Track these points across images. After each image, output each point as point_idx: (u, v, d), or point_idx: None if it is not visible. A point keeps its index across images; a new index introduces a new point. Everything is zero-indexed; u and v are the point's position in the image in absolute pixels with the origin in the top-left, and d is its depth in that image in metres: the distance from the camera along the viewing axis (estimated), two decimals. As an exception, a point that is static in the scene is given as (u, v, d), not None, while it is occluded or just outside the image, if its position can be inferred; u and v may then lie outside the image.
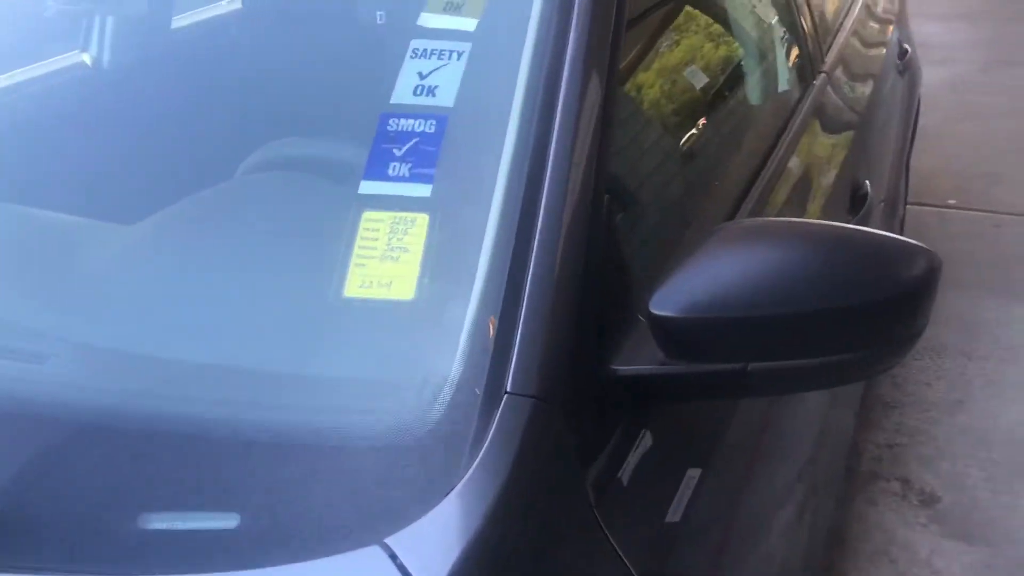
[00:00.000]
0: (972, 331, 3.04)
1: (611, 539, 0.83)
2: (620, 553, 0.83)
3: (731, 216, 1.25)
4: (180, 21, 1.55)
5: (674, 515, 0.93)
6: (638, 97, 1.18)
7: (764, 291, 0.86)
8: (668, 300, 0.87)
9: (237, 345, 0.93)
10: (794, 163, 1.47)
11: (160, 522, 0.78)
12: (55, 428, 0.86)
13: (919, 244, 0.91)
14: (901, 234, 3.09)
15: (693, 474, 1.00)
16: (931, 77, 3.38)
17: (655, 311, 0.87)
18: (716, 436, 1.08)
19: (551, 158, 0.94)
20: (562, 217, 0.91)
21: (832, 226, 0.94)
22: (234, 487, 0.79)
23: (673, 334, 0.88)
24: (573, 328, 0.88)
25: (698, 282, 0.87)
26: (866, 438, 2.56)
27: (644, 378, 0.90)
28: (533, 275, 0.88)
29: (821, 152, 1.63)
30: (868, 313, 0.87)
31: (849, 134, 1.81)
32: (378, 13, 1.25)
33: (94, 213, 1.15)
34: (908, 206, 3.39)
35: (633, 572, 0.84)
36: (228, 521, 0.78)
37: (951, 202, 3.93)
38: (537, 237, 0.90)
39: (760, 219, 1.01)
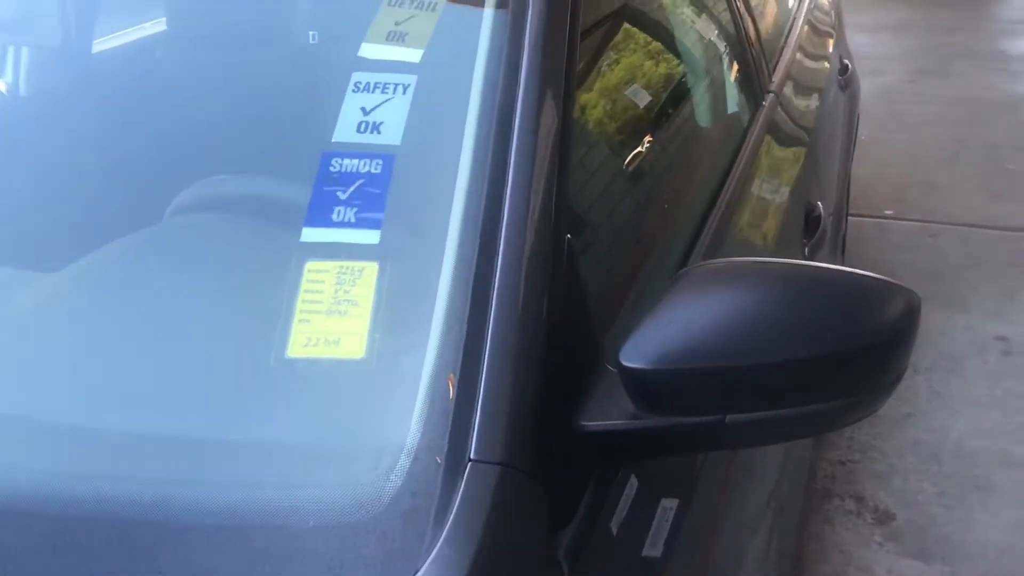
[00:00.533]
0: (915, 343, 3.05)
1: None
2: None
3: (692, 247, 1.20)
4: (101, 46, 1.45)
5: (653, 553, 0.88)
6: (594, 129, 1.12)
7: (738, 339, 0.81)
8: (638, 351, 0.81)
9: (170, 414, 0.84)
10: (749, 187, 1.43)
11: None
12: None
13: (897, 283, 0.87)
14: (844, 247, 3.10)
15: (669, 505, 0.94)
16: (862, 88, 3.41)
17: (625, 363, 0.81)
18: (688, 467, 1.02)
19: (507, 198, 0.87)
20: (522, 261, 0.85)
21: (805, 266, 0.89)
22: (168, 574, 0.71)
23: (645, 387, 0.82)
24: (539, 383, 0.81)
25: (669, 331, 0.81)
26: (818, 455, 2.54)
27: (615, 433, 0.84)
28: (494, 327, 0.81)
29: (774, 175, 1.60)
30: (847, 360, 0.82)
31: (800, 154, 1.78)
32: (311, 33, 1.17)
33: (4, 260, 1.05)
34: (847, 217, 3.40)
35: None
36: None
37: (888, 212, 3.97)
38: (496, 285, 0.83)
39: (728, 260, 0.96)
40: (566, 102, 0.97)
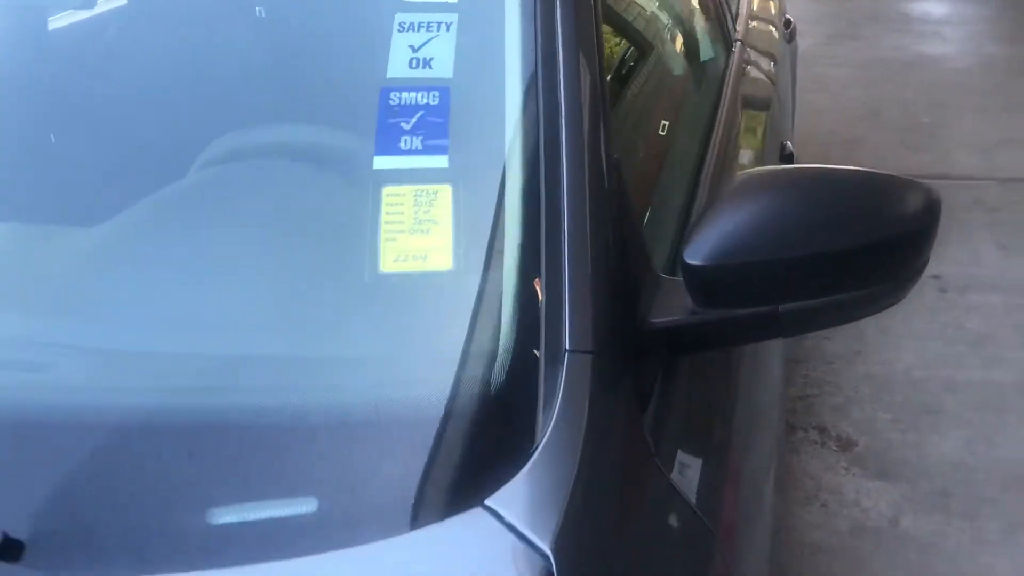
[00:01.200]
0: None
1: (672, 481, 0.85)
2: (679, 490, 0.86)
3: (699, 173, 1.30)
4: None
5: (710, 451, 0.97)
6: (618, 64, 1.20)
7: (783, 235, 0.90)
8: (699, 251, 0.89)
9: (290, 335, 0.90)
10: (735, 127, 1.53)
11: (232, 515, 0.74)
12: (107, 436, 0.80)
13: (920, 182, 0.97)
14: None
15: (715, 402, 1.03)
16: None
17: (689, 261, 0.89)
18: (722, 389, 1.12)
19: (563, 122, 0.94)
20: (584, 179, 0.92)
21: (841, 168, 0.99)
22: (310, 471, 0.77)
23: (705, 283, 0.90)
24: (612, 285, 0.89)
25: (725, 231, 0.90)
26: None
27: (680, 328, 0.92)
28: (568, 237, 0.88)
29: (752, 116, 1.70)
30: (881, 249, 0.92)
31: (768, 98, 1.89)
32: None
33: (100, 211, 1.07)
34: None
35: (693, 505, 0.86)
36: (306, 506, 0.75)
37: (818, 168, 4.15)
38: (565, 199, 0.90)
39: (771, 168, 1.04)
40: (598, 32, 1.04)
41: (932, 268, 3.27)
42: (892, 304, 0.97)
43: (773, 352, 1.43)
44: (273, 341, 0.89)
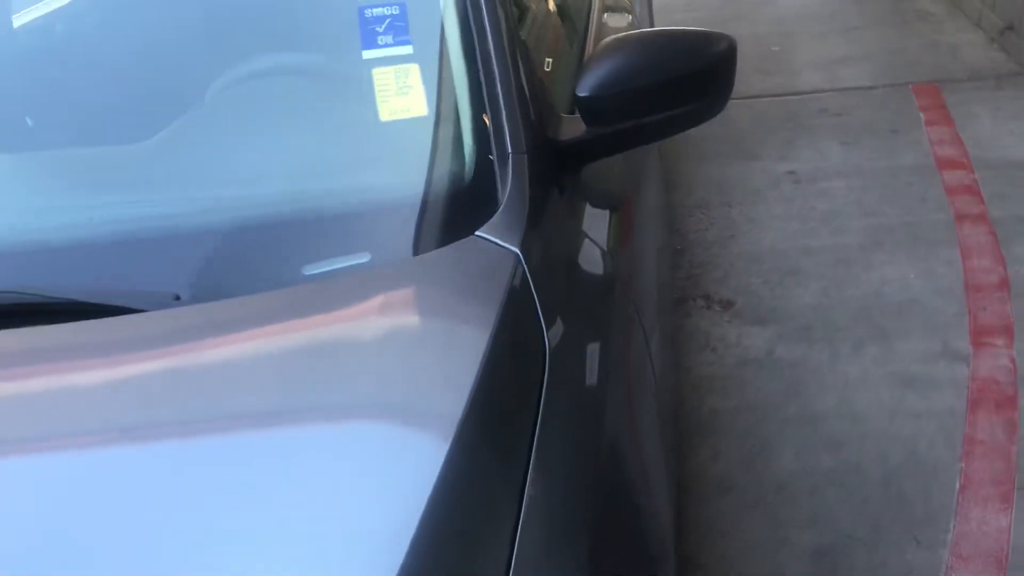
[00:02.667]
0: (725, 187, 3.80)
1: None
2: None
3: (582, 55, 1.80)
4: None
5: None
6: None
7: (639, 71, 1.39)
8: (587, 86, 1.37)
9: (324, 157, 1.34)
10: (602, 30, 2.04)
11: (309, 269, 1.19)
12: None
13: (725, 34, 1.47)
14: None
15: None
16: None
17: (580, 94, 1.37)
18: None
19: (485, 14, 1.41)
20: (505, 55, 1.39)
21: (671, 29, 1.48)
22: (365, 236, 1.22)
23: (592, 108, 1.39)
24: (533, 116, 1.36)
25: (601, 72, 1.38)
26: (670, 276, 3.21)
27: (581, 141, 1.40)
28: (502, 87, 1.35)
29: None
30: (702, 75, 1.42)
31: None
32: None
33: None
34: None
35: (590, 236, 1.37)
36: (361, 257, 1.20)
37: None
38: (496, 65, 1.37)
39: (627, 33, 1.52)
40: None
41: (787, 167, 3.89)
42: (715, 115, 1.47)
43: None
44: (313, 160, 1.34)
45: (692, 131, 1.54)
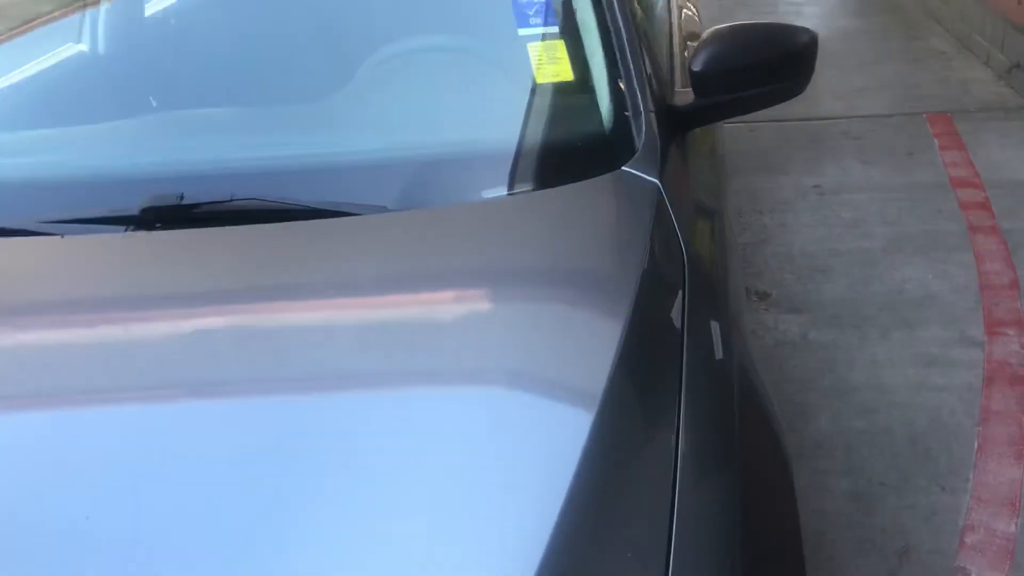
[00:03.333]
0: (757, 197, 4.13)
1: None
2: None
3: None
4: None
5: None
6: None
7: (738, 53, 1.71)
8: (699, 62, 1.69)
9: (497, 113, 1.66)
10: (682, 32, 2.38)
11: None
12: None
13: (807, 27, 1.79)
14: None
15: None
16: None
17: (695, 69, 1.69)
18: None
19: (616, 3, 1.74)
20: (633, 32, 1.71)
21: (766, 23, 1.80)
22: (537, 166, 1.53)
23: (702, 81, 1.71)
24: (654, 86, 1.69)
25: (709, 53, 1.70)
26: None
27: (691, 108, 1.72)
28: (632, 60, 1.67)
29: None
30: (791, 58, 1.74)
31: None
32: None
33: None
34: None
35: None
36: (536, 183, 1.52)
37: (716, 119, 5.07)
38: (626, 41, 1.69)
39: (728, 24, 1.84)
40: None
41: (813, 180, 4.25)
42: (798, 94, 1.79)
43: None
44: (486, 111, 1.65)
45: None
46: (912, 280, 3.36)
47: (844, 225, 3.81)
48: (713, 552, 1.01)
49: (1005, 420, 2.61)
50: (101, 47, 1.95)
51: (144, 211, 1.46)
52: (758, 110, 1.81)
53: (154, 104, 1.75)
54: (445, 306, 1.28)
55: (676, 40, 2.29)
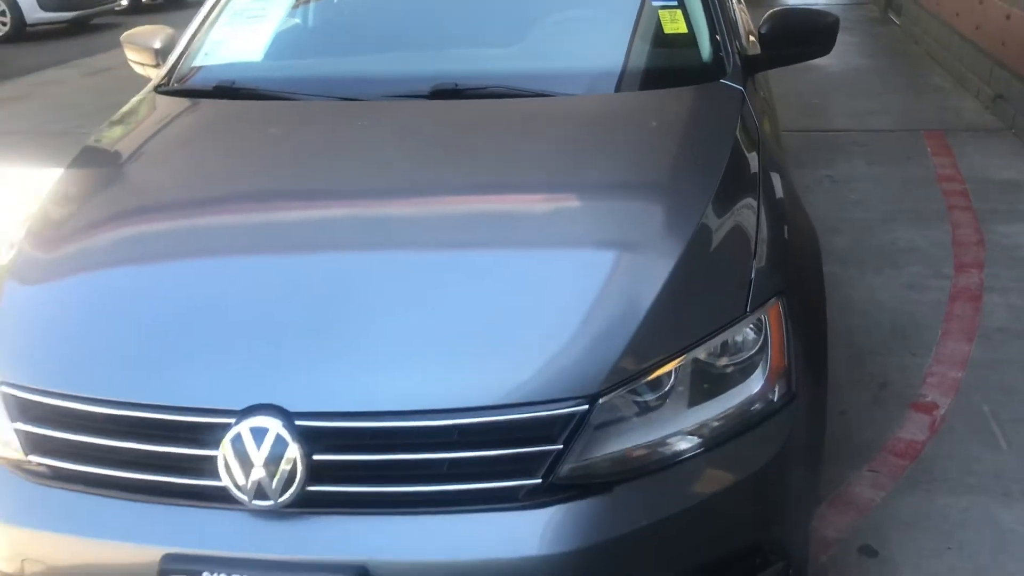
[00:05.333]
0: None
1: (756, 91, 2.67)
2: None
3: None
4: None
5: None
6: None
7: (782, 25, 2.73)
8: (765, 27, 2.70)
9: (637, 51, 2.67)
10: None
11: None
12: None
13: (832, 12, 2.81)
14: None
15: None
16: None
17: (762, 31, 2.70)
18: None
19: None
20: (726, 4, 2.74)
21: (806, 7, 2.81)
22: (666, 74, 2.55)
23: (766, 39, 2.71)
24: (737, 39, 2.70)
25: (773, 21, 2.72)
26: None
27: (757, 56, 2.72)
28: (725, 21, 2.68)
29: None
30: (820, 31, 2.75)
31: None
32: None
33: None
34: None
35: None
36: (667, 83, 2.53)
37: (748, 127, 6.12)
38: (721, 8, 2.71)
39: (784, 6, 2.85)
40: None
41: (826, 171, 5.38)
42: (826, 54, 2.79)
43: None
44: (627, 50, 2.67)
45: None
46: (902, 238, 4.35)
47: (851, 203, 4.82)
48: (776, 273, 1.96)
49: (961, 320, 3.59)
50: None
51: (433, 90, 2.49)
52: (799, 62, 2.83)
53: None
54: (607, 140, 2.27)
55: (742, 18, 3.32)
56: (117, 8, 13.23)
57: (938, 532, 2.46)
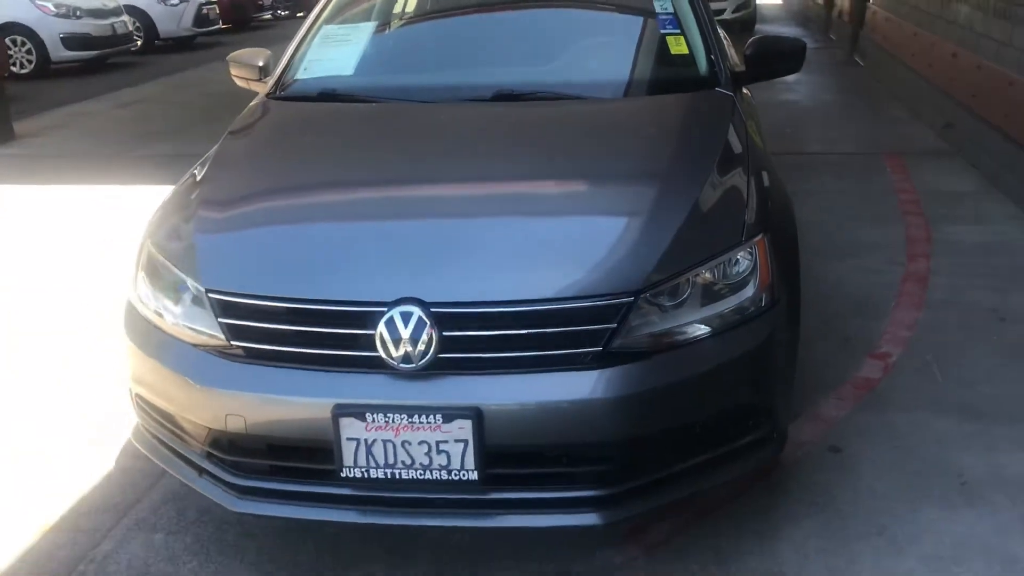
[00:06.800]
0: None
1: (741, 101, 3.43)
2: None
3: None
4: None
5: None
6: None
7: (766, 48, 3.50)
8: (750, 50, 3.47)
9: (645, 63, 3.43)
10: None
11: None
12: None
13: (800, 39, 3.58)
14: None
15: None
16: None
17: (747, 53, 3.47)
18: None
19: (704, 13, 3.54)
20: (715, 30, 3.51)
21: (777, 36, 3.57)
22: (664, 82, 3.30)
23: (749, 59, 3.47)
24: (727, 58, 3.46)
25: (754, 46, 3.49)
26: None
27: (743, 72, 3.48)
28: (717, 44, 3.45)
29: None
30: (790, 53, 3.52)
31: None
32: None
33: None
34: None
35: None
36: (666, 89, 3.28)
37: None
38: (711, 33, 3.48)
39: (761, 36, 3.61)
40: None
41: (800, 186, 6.15)
42: (797, 71, 3.55)
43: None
44: (636, 59, 3.43)
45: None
46: (862, 236, 5.13)
47: (820, 209, 5.59)
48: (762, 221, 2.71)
49: (911, 295, 4.34)
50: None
51: (495, 95, 3.24)
52: (777, 77, 3.59)
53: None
54: (632, 127, 3.04)
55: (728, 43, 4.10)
56: (132, 49, 13.98)
57: (888, 435, 3.18)
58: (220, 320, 2.40)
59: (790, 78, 10.32)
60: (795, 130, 7.61)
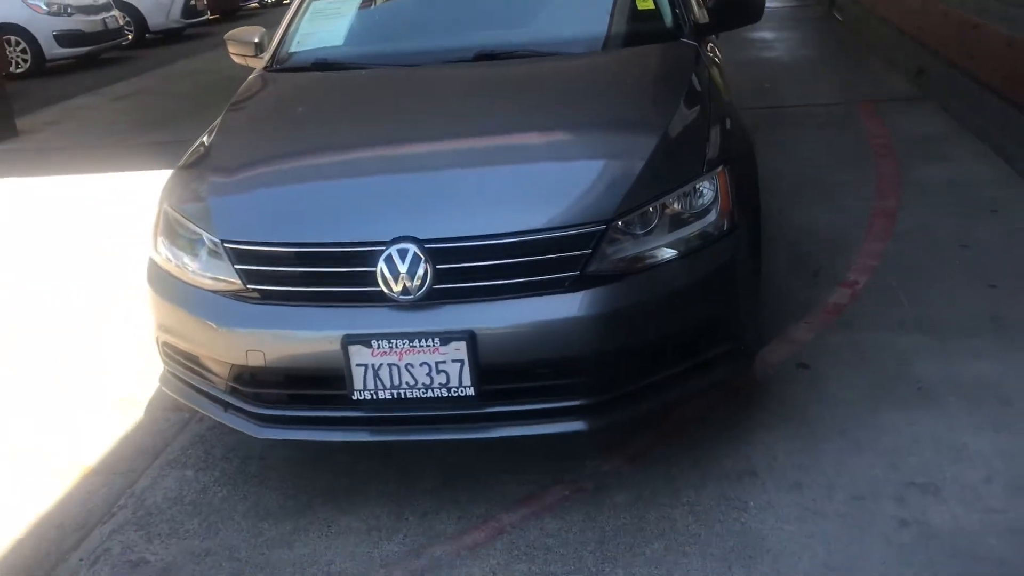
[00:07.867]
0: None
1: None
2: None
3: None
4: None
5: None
6: None
7: (722, 7, 3.75)
8: (712, 4, 3.72)
9: (617, 21, 3.68)
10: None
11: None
12: None
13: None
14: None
15: None
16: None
17: (709, 6, 3.71)
18: None
19: None
20: None
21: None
22: (634, 35, 3.56)
23: (713, 10, 3.73)
24: (693, 11, 3.71)
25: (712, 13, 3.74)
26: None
27: (707, 23, 3.73)
28: (683, 2, 3.70)
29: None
30: (750, 4, 3.77)
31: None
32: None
33: None
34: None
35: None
36: (637, 43, 3.53)
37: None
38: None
39: None
40: None
41: (779, 136, 6.45)
42: (756, 20, 3.78)
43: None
44: (609, 19, 3.68)
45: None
46: (837, 178, 5.38)
47: (800, 157, 5.84)
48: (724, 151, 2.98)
49: (879, 229, 4.60)
50: None
51: (475, 55, 3.50)
52: (739, 27, 3.84)
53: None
54: (605, 74, 3.31)
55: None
56: (124, 43, 14.19)
57: (854, 353, 3.45)
58: (236, 267, 2.67)
59: (769, 35, 10.63)
60: (773, 85, 7.85)
